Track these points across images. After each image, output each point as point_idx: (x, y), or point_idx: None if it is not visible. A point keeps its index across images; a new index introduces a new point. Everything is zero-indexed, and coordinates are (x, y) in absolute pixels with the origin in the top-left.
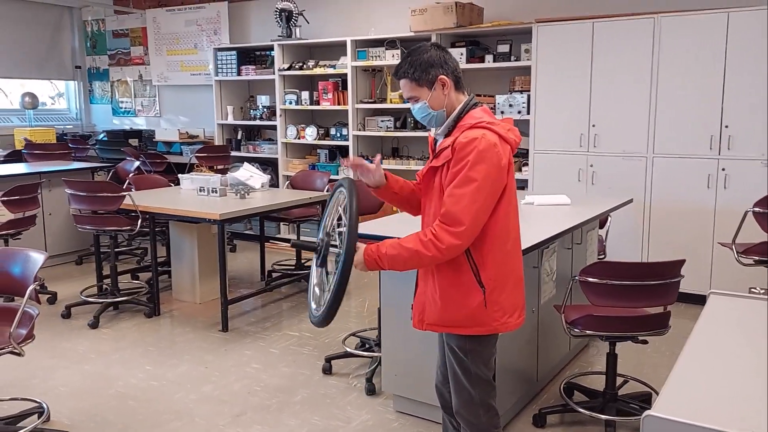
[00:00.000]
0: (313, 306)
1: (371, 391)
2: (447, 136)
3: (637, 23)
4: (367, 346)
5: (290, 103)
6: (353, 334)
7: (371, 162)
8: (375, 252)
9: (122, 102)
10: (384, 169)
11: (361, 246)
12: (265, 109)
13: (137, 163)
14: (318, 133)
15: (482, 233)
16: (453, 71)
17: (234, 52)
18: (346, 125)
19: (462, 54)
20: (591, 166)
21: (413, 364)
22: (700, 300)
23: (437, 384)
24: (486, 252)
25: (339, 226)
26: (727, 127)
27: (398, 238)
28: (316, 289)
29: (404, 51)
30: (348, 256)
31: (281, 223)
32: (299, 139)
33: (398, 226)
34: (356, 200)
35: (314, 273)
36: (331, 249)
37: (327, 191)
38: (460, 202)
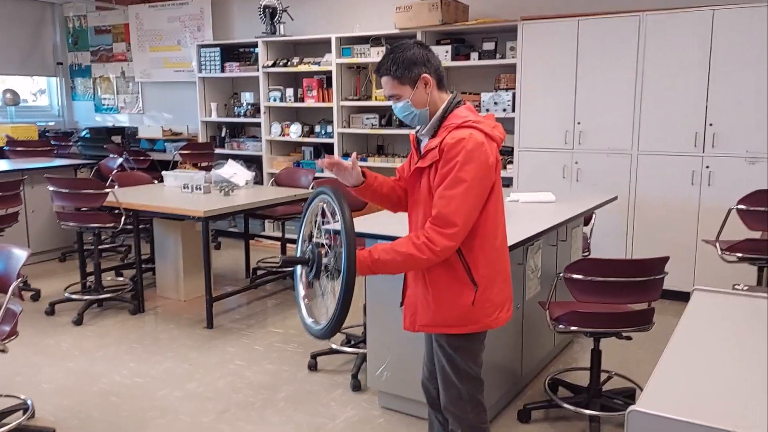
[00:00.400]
0: (310, 320)
1: (357, 387)
2: (432, 136)
3: (622, 21)
4: (352, 342)
5: (274, 100)
6: (338, 331)
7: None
8: (368, 258)
9: (105, 99)
10: (368, 167)
11: None
12: (249, 107)
13: (120, 160)
14: (302, 130)
15: (473, 232)
16: (436, 70)
17: (217, 49)
18: (330, 122)
19: (447, 52)
20: (576, 163)
21: (398, 360)
22: (683, 297)
23: (423, 380)
24: (477, 250)
25: (321, 234)
26: (711, 124)
27: (389, 242)
28: (306, 302)
29: (389, 48)
30: (351, 266)
31: (266, 221)
32: (283, 136)
33: (384, 222)
34: (347, 206)
35: (302, 286)
36: (324, 260)
37: (312, 188)
38: (451, 203)
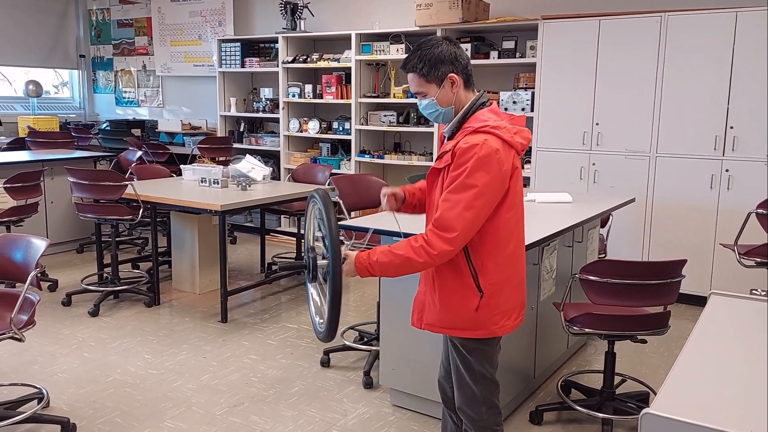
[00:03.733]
0: (318, 320)
1: (369, 384)
2: (450, 137)
3: (643, 21)
4: (365, 340)
5: (293, 96)
6: (352, 328)
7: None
8: (366, 260)
9: (125, 92)
10: (384, 164)
11: (352, 254)
12: (268, 102)
13: (139, 153)
14: (320, 126)
15: (482, 238)
16: (464, 68)
17: (238, 44)
18: (348, 119)
19: (467, 50)
20: (593, 164)
21: (411, 359)
22: (699, 301)
23: (440, 379)
24: (485, 256)
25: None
26: (732, 127)
27: (389, 245)
28: (317, 301)
29: (409, 45)
30: (335, 272)
31: (282, 216)
32: (301, 132)
33: (400, 219)
34: (333, 212)
35: (310, 288)
36: (319, 263)
37: (328, 185)
38: (455, 208)
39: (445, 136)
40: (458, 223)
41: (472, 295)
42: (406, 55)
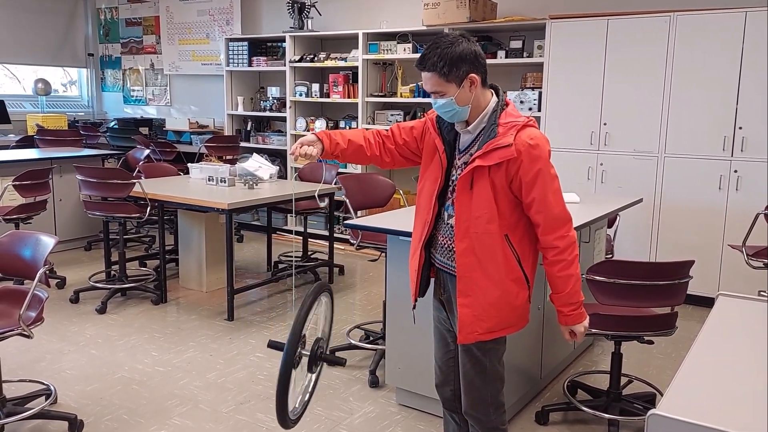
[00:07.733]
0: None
1: (374, 383)
2: (479, 133)
3: (652, 21)
4: (371, 339)
5: (300, 95)
6: (358, 327)
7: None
8: (578, 308)
9: (133, 90)
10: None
11: (575, 326)
12: (275, 101)
13: (147, 152)
14: (327, 125)
15: (527, 229)
16: (483, 67)
17: (245, 43)
18: (355, 118)
19: None
20: (601, 164)
21: (417, 358)
22: (707, 302)
23: (437, 384)
24: (529, 247)
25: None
26: (741, 128)
27: (555, 285)
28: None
29: (416, 45)
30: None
31: (288, 215)
32: (308, 131)
33: (404, 219)
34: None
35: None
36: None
37: (335, 184)
38: (558, 201)
39: (443, 131)
40: (566, 211)
41: (521, 286)
42: (422, 52)
